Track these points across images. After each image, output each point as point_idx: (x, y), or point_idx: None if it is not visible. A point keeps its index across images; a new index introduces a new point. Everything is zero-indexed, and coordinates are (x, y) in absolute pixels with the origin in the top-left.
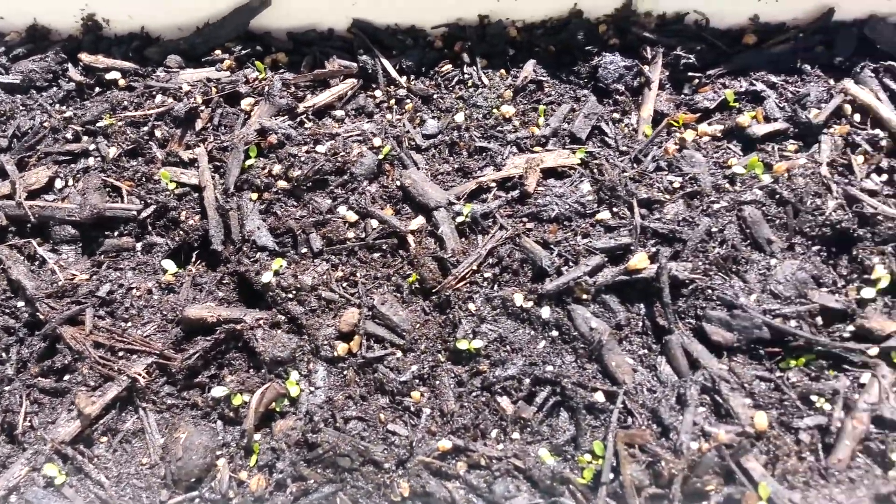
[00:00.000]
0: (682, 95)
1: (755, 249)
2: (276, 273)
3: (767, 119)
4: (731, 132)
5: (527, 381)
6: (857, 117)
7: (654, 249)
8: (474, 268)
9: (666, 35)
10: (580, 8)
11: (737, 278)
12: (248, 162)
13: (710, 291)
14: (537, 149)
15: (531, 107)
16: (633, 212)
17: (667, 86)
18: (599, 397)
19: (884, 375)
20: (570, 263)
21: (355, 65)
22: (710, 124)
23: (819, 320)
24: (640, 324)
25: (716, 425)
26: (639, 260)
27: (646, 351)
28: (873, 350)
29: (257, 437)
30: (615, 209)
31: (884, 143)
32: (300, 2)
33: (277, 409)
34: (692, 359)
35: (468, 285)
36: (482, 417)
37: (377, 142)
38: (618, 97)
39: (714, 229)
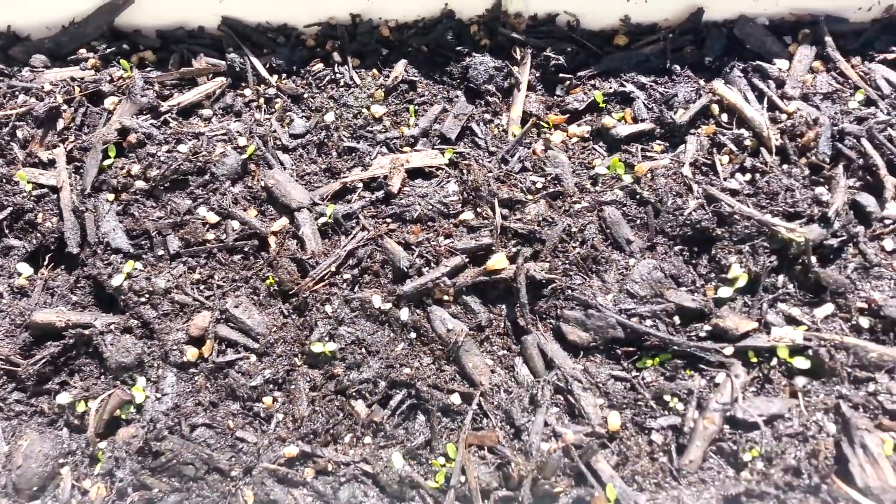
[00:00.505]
0: (555, 97)
1: (615, 249)
2: (129, 276)
3: (636, 120)
4: (598, 133)
5: (383, 384)
6: (724, 117)
7: (514, 250)
8: (333, 269)
9: (536, 36)
10: (452, 8)
11: (596, 278)
12: (107, 162)
13: (569, 291)
14: (406, 149)
15: (403, 107)
16: (495, 212)
17: (539, 87)
18: (456, 399)
19: (737, 375)
20: (432, 264)
21: (224, 63)
22: (578, 125)
23: (677, 320)
24: (502, 324)
25: (567, 426)
26: (497, 260)
27: (506, 352)
28: (728, 349)
29: (103, 444)
30: (479, 210)
31: (747, 142)
32: None
33: (123, 417)
34: (548, 359)
35: (327, 287)
36: (334, 422)
37: (242, 141)
38: (489, 98)
39: (574, 229)
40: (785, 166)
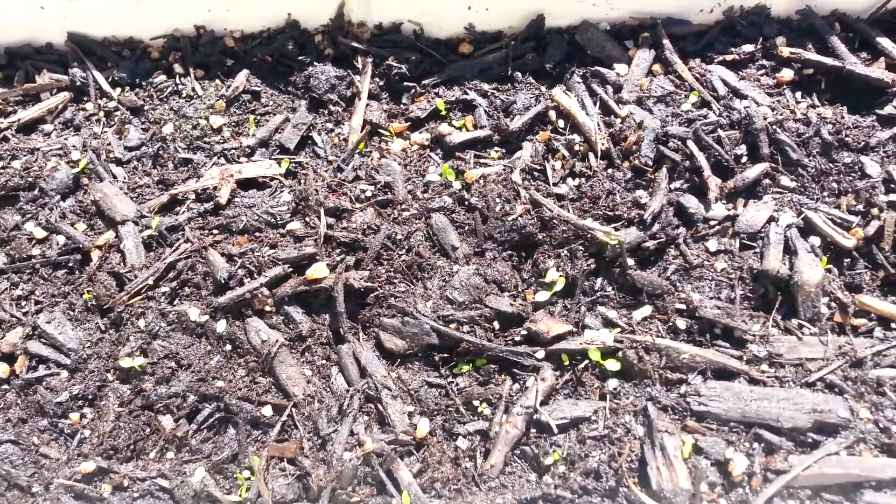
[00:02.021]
0: (401, 105)
1: (441, 256)
2: None
3: (476, 127)
4: (436, 141)
5: (192, 397)
6: (561, 123)
7: (338, 258)
8: (151, 282)
9: (379, 45)
10: (296, 18)
11: (420, 285)
12: None
13: (391, 299)
14: (243, 159)
15: (244, 117)
16: (320, 221)
17: (384, 96)
18: (267, 411)
19: (544, 378)
20: (255, 275)
21: (67, 78)
22: (420, 133)
23: (496, 325)
24: (325, 334)
25: (373, 434)
26: (317, 269)
27: (325, 361)
28: (541, 353)
29: None
30: (307, 219)
31: (578, 147)
32: (11, 17)
33: None
34: (362, 368)
35: (144, 301)
36: (137, 437)
37: (75, 155)
38: (332, 107)
39: (400, 237)
40: (610, 170)
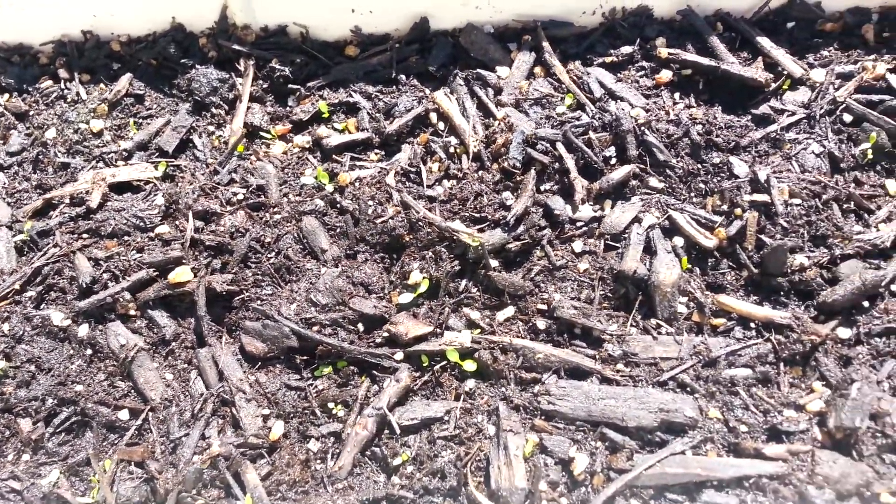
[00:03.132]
0: (287, 107)
1: (311, 258)
2: None
3: (359, 129)
4: (316, 143)
5: (51, 401)
6: (441, 125)
7: (204, 262)
8: (17, 287)
9: (264, 48)
10: (181, 22)
11: (287, 288)
12: None
13: (258, 302)
14: (120, 163)
15: (127, 121)
16: (188, 224)
17: (268, 98)
18: (124, 415)
19: (398, 380)
20: (121, 279)
21: None
22: (302, 136)
23: (361, 327)
24: (190, 338)
25: (223, 438)
26: (180, 273)
27: (186, 365)
28: (399, 355)
29: None
30: (177, 223)
31: (454, 149)
32: None
33: None
34: (220, 371)
35: (11, 305)
36: None
37: None
38: (214, 110)
39: (268, 239)
40: (480, 172)
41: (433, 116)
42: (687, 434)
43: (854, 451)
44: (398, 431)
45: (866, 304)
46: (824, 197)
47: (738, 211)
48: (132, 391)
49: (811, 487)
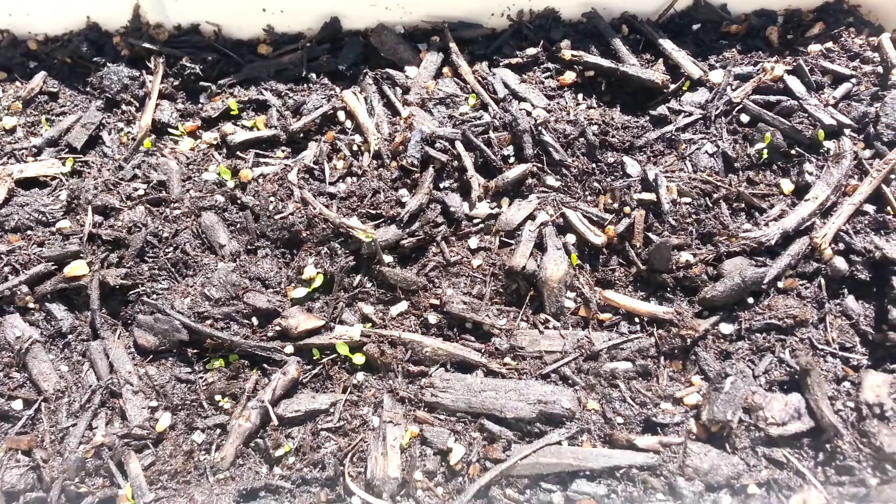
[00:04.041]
0: (198, 104)
1: (210, 253)
2: None
3: (268, 126)
4: (223, 140)
5: None
6: (349, 123)
7: (102, 256)
8: None
9: (176, 46)
10: (95, 21)
11: (183, 283)
12: None
13: (153, 297)
14: (30, 159)
15: (41, 118)
16: (87, 219)
17: (179, 95)
18: (18, 405)
19: (286, 373)
20: (23, 272)
21: None
22: (210, 132)
23: (255, 321)
24: (86, 330)
25: (109, 429)
26: (75, 267)
27: (81, 357)
28: (289, 348)
29: None
30: (78, 218)
31: (357, 147)
32: None
33: None
34: (111, 363)
35: None
36: None
37: None
38: (124, 107)
39: (166, 234)
40: (380, 170)
41: (341, 115)
42: (564, 425)
43: (727, 444)
44: (275, 422)
45: (751, 300)
46: (714, 196)
47: (626, 209)
48: (27, 382)
49: (680, 479)
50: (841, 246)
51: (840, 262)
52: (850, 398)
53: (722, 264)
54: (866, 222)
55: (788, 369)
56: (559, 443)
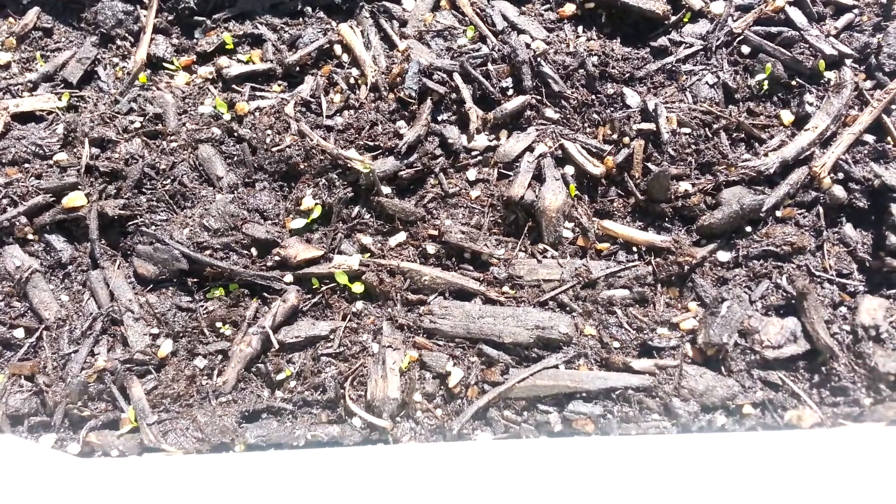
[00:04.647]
0: (193, 39)
1: (207, 185)
2: None
3: (264, 60)
4: (218, 74)
5: None
6: (346, 57)
7: (100, 188)
8: None
9: None
10: None
11: (181, 214)
12: None
13: (152, 227)
14: (25, 94)
15: (35, 54)
16: (84, 152)
17: (174, 30)
18: (20, 333)
19: (286, 300)
20: (21, 204)
21: None
22: (206, 67)
23: (254, 251)
24: (86, 261)
25: (111, 354)
26: (73, 198)
27: (81, 287)
28: (289, 277)
29: None
30: (75, 150)
31: (355, 80)
32: None
33: None
34: (111, 292)
35: None
36: None
37: None
38: (119, 42)
39: (163, 166)
40: (377, 102)
41: (337, 49)
42: (561, 350)
43: (723, 367)
44: (276, 347)
45: (749, 229)
46: (714, 126)
47: (626, 140)
48: (28, 311)
49: (676, 399)
50: (840, 175)
51: (839, 191)
52: (846, 322)
53: (720, 193)
54: (866, 152)
55: (785, 294)
56: (556, 366)
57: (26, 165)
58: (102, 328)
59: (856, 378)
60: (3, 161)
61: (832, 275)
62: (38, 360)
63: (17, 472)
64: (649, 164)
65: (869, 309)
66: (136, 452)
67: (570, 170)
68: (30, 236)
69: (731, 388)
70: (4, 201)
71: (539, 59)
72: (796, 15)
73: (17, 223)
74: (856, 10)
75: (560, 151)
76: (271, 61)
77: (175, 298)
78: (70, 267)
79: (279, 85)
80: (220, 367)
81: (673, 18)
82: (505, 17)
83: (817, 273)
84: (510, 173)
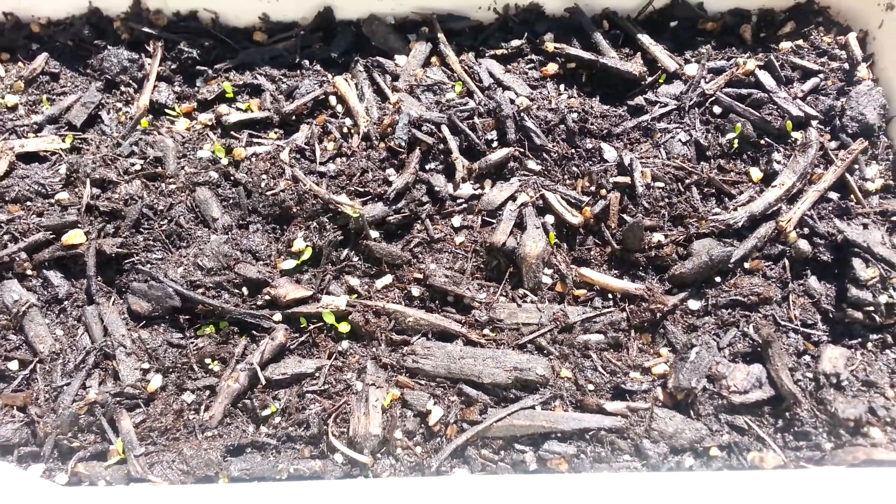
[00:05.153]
0: (195, 87)
1: (203, 226)
2: None
3: (262, 109)
4: (218, 121)
5: None
6: (340, 108)
7: (99, 227)
8: None
9: (174, 31)
10: (97, 6)
11: (176, 253)
12: None
13: (147, 266)
14: (31, 135)
15: (42, 97)
16: (85, 191)
17: (177, 78)
18: (14, 365)
19: (274, 338)
20: (22, 240)
21: None
22: (206, 114)
23: (245, 290)
24: (82, 297)
25: (102, 388)
26: (72, 236)
27: (76, 322)
28: (277, 316)
29: None
30: (76, 190)
31: (348, 130)
32: None
33: None
34: (105, 327)
35: None
36: None
37: None
38: (123, 88)
39: (161, 207)
40: (369, 151)
41: (332, 99)
42: (538, 391)
43: (691, 411)
44: (263, 383)
45: (718, 279)
46: (686, 181)
47: (603, 192)
48: (23, 344)
49: (646, 441)
50: (805, 230)
51: (804, 245)
52: (809, 370)
53: (691, 245)
54: (830, 208)
55: (751, 342)
56: (533, 407)
57: (28, 203)
58: (95, 362)
59: (817, 423)
60: (7, 199)
61: (797, 325)
62: (31, 392)
63: (4, 498)
64: (625, 216)
65: (831, 357)
66: (123, 483)
67: (550, 219)
68: (28, 272)
69: (699, 430)
70: (6, 237)
71: (522, 114)
72: (766, 78)
73: (17, 258)
74: (821, 75)
75: (541, 201)
76: (269, 110)
77: (167, 335)
78: (66, 302)
79: (276, 132)
80: (208, 402)
81: (649, 79)
82: (491, 74)
83: (783, 323)
84: (493, 221)
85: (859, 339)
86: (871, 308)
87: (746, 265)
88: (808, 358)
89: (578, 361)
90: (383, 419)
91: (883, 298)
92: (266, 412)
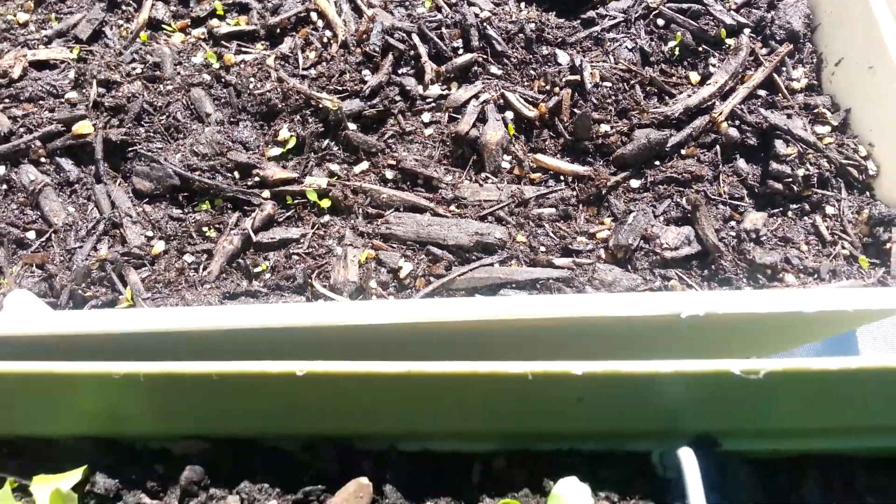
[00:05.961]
0: (188, 8)
1: (197, 121)
2: None
3: (249, 24)
4: (210, 34)
5: None
6: (320, 22)
7: (105, 119)
8: None
9: None
10: None
11: (173, 142)
12: None
13: (148, 153)
14: (41, 47)
15: (51, 15)
16: (92, 90)
17: (173, 0)
18: (31, 235)
19: (263, 209)
20: (36, 131)
21: None
22: (198, 29)
23: (237, 174)
24: (90, 181)
25: (111, 249)
26: (81, 126)
27: (86, 200)
28: (266, 193)
29: None
30: (84, 91)
31: (327, 40)
32: None
33: None
34: (112, 202)
35: None
36: None
37: None
38: (124, 7)
39: (160, 104)
40: (346, 56)
41: (313, 16)
42: (496, 253)
43: (629, 265)
44: (253, 238)
45: (658, 163)
46: (631, 81)
47: (556, 90)
48: (39, 218)
49: (589, 287)
50: (736, 122)
51: (734, 132)
52: (733, 230)
53: (634, 133)
54: (759, 103)
55: (683, 210)
56: (491, 265)
57: (41, 102)
58: (104, 230)
59: (738, 271)
60: (21, 98)
61: (725, 198)
62: (48, 253)
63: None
64: (575, 110)
65: (752, 219)
66: None
67: (509, 115)
68: (42, 159)
69: (634, 279)
70: (21, 129)
71: (485, 23)
72: None
73: (33, 146)
74: None
75: (501, 100)
76: (255, 24)
77: (168, 210)
78: (76, 185)
79: (262, 44)
80: (206, 262)
81: None
82: None
83: (713, 197)
84: (458, 116)
85: (780, 209)
86: (790, 179)
87: (683, 152)
88: (733, 223)
89: (532, 229)
90: (360, 271)
91: (801, 171)
92: (257, 269)
